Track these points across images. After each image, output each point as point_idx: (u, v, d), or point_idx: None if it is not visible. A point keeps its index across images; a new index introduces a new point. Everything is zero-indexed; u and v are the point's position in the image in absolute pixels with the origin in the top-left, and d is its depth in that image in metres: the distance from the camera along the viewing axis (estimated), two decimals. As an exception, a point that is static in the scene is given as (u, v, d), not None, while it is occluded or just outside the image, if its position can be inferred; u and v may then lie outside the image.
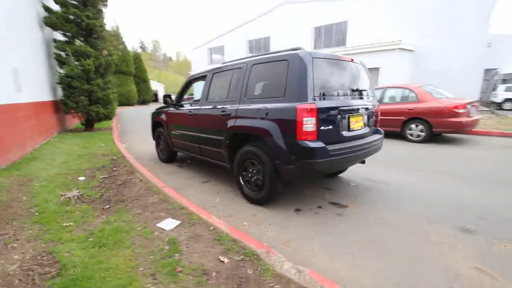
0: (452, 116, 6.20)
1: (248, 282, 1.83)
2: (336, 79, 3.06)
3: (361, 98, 3.35)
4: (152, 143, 7.39)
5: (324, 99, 2.82)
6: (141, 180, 4.16)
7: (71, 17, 8.05)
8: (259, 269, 1.95)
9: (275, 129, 2.83)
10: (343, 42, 17.96)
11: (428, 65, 14.33)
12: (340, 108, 2.94)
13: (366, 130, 3.39)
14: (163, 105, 5.49)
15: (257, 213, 3.05)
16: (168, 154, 5.27)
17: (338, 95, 3.00)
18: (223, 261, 2.04)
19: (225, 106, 3.53)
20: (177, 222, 2.70)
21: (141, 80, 32.59)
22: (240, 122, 3.25)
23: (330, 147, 2.76)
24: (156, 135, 5.60)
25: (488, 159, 5.19)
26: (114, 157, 5.70)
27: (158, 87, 46.02)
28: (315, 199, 3.43)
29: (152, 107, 27.18)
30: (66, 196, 3.35)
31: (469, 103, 6.36)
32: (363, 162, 3.63)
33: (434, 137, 6.86)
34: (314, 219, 2.89)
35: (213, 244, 2.30)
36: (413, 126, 6.89)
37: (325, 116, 2.79)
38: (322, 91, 2.82)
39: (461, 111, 6.15)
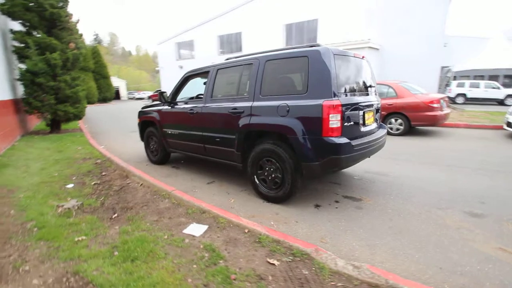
0: (428, 110, 6.74)
1: (308, 282, 1.80)
2: (352, 76, 3.12)
3: (369, 94, 3.46)
4: (134, 144, 6.99)
5: (345, 95, 2.86)
6: (141, 184, 3.88)
7: (31, 4, 7.14)
8: (313, 268, 1.93)
9: (299, 126, 2.81)
10: (314, 40, 18.43)
11: (391, 62, 15.35)
12: (359, 104, 3.02)
13: (375, 125, 3.53)
14: (155, 102, 5.17)
15: (280, 212, 3.02)
16: (162, 156, 4.97)
17: (354, 91, 3.07)
18: (273, 264, 1.99)
19: (235, 104, 3.42)
20: (204, 227, 2.57)
21: (101, 76, 30.39)
22: (256, 120, 3.17)
23: (353, 142, 2.82)
24: (145, 136, 5.25)
25: (464, 149, 5.73)
26: (98, 161, 5.24)
27: (119, 83, 43.28)
28: (328, 194, 3.49)
29: (116, 106, 25.53)
30: (64, 207, 2.99)
31: (441, 98, 6.95)
32: (369, 156, 3.77)
33: (410, 130, 7.39)
34: (337, 214, 2.94)
35: (255, 247, 2.22)
36: (392, 120, 7.35)
37: (348, 112, 2.84)
38: (342, 87, 2.86)
39: (436, 105, 6.71)
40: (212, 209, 2.85)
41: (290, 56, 3.03)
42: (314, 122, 2.73)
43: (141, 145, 5.64)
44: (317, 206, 3.16)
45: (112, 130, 9.96)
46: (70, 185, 3.91)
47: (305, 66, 2.85)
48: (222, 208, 3.05)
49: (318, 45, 2.95)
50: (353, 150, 2.79)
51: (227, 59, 3.91)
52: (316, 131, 2.73)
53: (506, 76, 20.37)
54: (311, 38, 18.69)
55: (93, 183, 4.03)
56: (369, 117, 3.30)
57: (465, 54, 19.82)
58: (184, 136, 4.30)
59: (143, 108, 5.44)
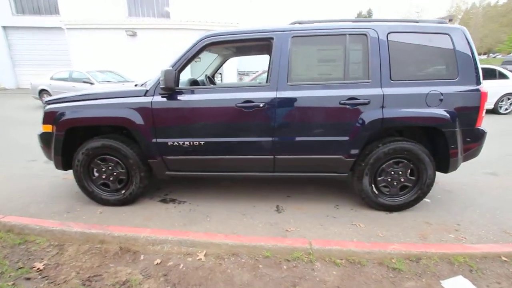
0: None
1: None
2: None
3: None
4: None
5: None
6: (205, 254, 1.97)
7: None
8: None
9: (456, 117, 2.41)
10: (167, 14, 16.25)
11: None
12: None
13: None
14: (94, 91, 2.67)
15: (427, 220, 2.56)
16: (141, 188, 2.75)
17: None
18: None
19: (349, 92, 2.40)
20: (462, 279, 1.70)
21: None
22: (394, 114, 2.39)
23: None
24: (81, 159, 2.64)
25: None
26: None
27: None
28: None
29: None
30: None
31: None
32: None
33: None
34: (454, 204, 2.88)
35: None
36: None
37: None
38: None
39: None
40: (420, 249, 1.93)
41: (425, 31, 2.45)
42: (470, 111, 2.45)
43: None
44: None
45: None
46: None
47: (449, 45, 2.42)
48: (377, 240, 2.17)
49: (445, 22, 2.58)
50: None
51: (294, 23, 2.60)
52: (471, 121, 2.47)
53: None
54: (164, 13, 16.38)
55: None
56: None
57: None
58: (223, 147, 2.55)
59: (53, 102, 2.69)
